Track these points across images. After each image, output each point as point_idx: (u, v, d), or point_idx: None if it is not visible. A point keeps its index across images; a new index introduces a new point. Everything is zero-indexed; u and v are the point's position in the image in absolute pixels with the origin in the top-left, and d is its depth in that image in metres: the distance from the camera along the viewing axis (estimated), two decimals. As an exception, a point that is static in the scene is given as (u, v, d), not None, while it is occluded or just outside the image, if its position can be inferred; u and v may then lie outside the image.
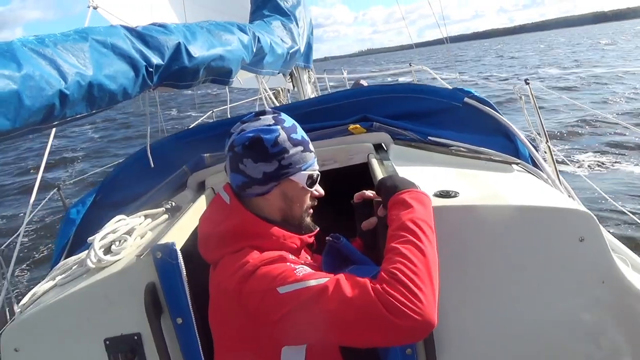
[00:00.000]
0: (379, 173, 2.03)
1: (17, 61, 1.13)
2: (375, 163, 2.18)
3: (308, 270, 1.25)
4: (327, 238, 1.58)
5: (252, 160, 1.38)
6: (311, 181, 1.46)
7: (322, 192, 1.53)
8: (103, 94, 1.44)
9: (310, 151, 1.47)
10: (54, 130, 2.96)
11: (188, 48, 1.84)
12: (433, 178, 1.95)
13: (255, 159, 1.38)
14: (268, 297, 1.20)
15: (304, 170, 1.44)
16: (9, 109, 1.10)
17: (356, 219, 1.65)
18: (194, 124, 5.90)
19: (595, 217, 1.55)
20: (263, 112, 1.48)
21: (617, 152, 9.77)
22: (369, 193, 1.58)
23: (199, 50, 1.91)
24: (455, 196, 1.62)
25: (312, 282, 1.19)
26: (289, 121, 1.46)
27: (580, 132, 11.87)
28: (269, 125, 1.41)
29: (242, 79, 3.17)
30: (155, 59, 1.67)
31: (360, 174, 2.36)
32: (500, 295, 1.57)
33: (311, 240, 1.52)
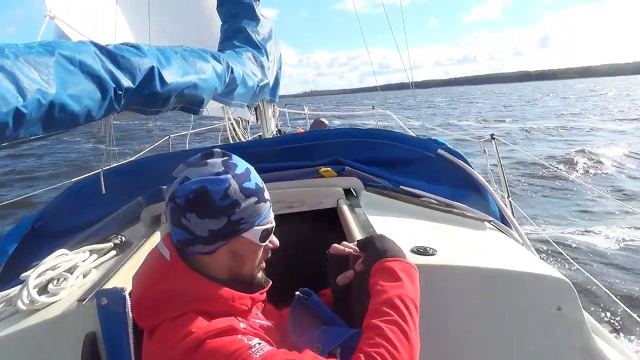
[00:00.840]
0: (351, 221, 1.95)
1: (-32, 71, 0.98)
2: (346, 209, 2.10)
3: (265, 347, 1.09)
4: (296, 293, 1.46)
5: (197, 216, 1.17)
6: (266, 234, 1.27)
7: (277, 243, 1.34)
8: (64, 115, 1.28)
9: (266, 200, 1.27)
10: None
11: (162, 73, 1.71)
12: (407, 230, 1.89)
13: (201, 214, 1.17)
14: None
15: (258, 225, 1.24)
16: (-47, 125, 0.94)
17: (329, 270, 1.54)
18: (146, 150, 5.64)
19: (573, 287, 1.51)
20: (211, 154, 1.26)
21: (570, 206, 10.11)
22: (348, 249, 1.47)
23: (172, 76, 1.79)
24: (433, 254, 1.56)
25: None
26: (241, 165, 1.25)
27: (529, 187, 12.27)
28: (218, 172, 1.20)
29: (209, 108, 3.05)
30: (126, 82, 1.54)
31: (328, 218, 2.26)
32: (474, 356, 1.51)
33: (263, 297, 1.36)
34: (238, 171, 1.23)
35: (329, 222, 2.23)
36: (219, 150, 1.29)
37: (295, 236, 2.52)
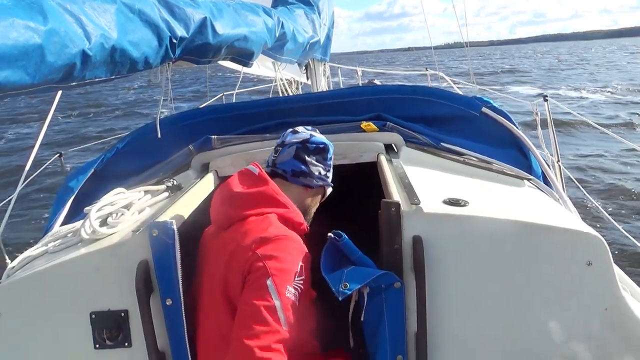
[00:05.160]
0: (388, 174, 2.00)
1: (44, 14, 1.09)
2: (385, 163, 2.15)
3: (296, 298, 1.42)
4: (328, 234, 1.56)
5: (316, 160, 1.75)
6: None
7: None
8: (124, 60, 1.40)
9: None
10: (59, 92, 2.90)
11: (214, 24, 1.80)
12: (442, 184, 1.93)
13: (319, 160, 1.76)
14: (263, 278, 1.40)
15: (328, 187, 1.83)
16: (30, 62, 1.06)
17: None
18: (203, 105, 5.84)
19: (605, 243, 1.52)
20: (315, 130, 1.85)
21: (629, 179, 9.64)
22: None
23: (223, 27, 1.87)
24: (464, 205, 1.60)
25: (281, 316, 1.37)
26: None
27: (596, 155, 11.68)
28: (327, 143, 1.80)
29: (259, 63, 3.12)
30: (180, 31, 1.63)
31: (368, 173, 2.33)
32: (499, 309, 1.55)
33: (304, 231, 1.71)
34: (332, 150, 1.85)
35: (369, 176, 2.30)
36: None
37: (335, 188, 2.61)
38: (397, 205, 1.50)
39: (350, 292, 1.41)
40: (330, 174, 1.81)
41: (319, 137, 1.78)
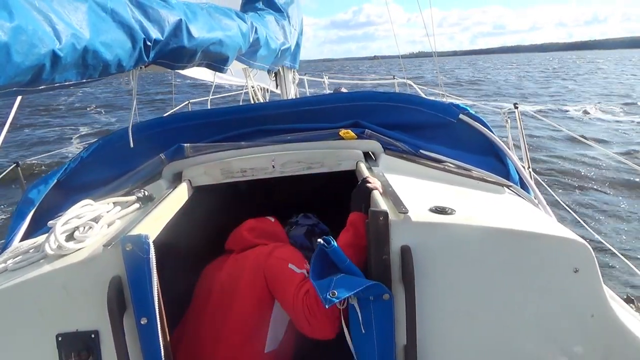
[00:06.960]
0: None
1: (9, 10, 0.99)
2: (364, 170, 2.10)
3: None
4: (318, 240, 1.51)
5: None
6: None
7: None
8: (97, 63, 1.31)
9: None
10: (19, 97, 2.74)
11: (189, 27, 1.72)
12: (425, 193, 1.90)
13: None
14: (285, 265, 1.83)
15: None
16: (-5, 63, 0.97)
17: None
18: (168, 113, 5.68)
19: (591, 250, 1.52)
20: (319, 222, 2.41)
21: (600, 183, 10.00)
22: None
23: (199, 31, 1.79)
24: (451, 213, 1.57)
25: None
26: None
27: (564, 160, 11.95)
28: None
29: (232, 69, 3.04)
30: (155, 33, 1.55)
31: (347, 181, 2.28)
32: (488, 319, 1.53)
33: None
34: None
35: (348, 184, 2.25)
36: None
37: (314, 197, 2.54)
38: (385, 214, 1.45)
39: (337, 301, 1.36)
40: None
41: (323, 225, 2.36)
